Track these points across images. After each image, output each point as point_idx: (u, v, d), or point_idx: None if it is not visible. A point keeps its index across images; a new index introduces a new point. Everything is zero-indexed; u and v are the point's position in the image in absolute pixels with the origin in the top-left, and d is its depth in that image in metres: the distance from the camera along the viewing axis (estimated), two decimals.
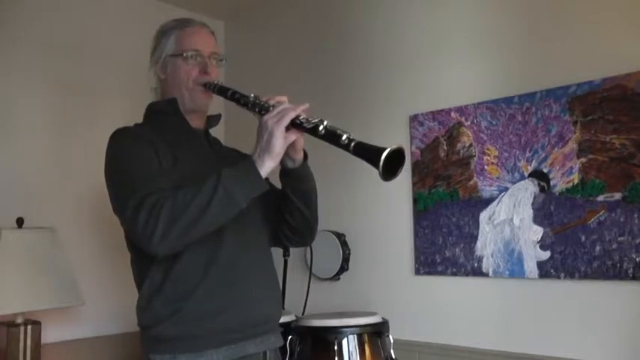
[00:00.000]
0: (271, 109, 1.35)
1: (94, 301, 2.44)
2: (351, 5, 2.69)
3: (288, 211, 1.57)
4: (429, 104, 2.36)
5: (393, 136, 2.43)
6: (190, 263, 1.41)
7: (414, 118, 2.39)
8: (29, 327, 2.13)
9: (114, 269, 2.58)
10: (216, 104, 1.64)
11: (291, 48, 2.93)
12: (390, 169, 1.23)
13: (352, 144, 1.25)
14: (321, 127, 1.29)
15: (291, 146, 1.38)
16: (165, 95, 1.59)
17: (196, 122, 1.60)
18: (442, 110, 2.30)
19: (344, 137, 1.26)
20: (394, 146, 1.22)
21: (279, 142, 1.31)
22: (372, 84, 2.57)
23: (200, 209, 1.29)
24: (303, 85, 2.79)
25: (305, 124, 1.31)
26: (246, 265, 1.48)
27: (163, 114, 1.57)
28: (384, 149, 1.21)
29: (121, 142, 1.48)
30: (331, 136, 1.28)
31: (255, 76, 2.92)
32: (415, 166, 2.35)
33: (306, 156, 1.51)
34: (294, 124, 1.32)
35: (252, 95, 1.42)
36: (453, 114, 2.27)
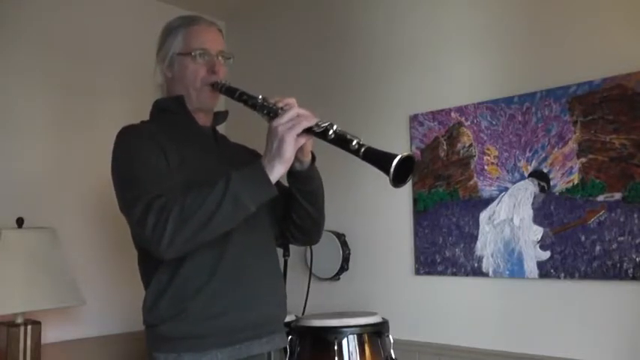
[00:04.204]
0: (280, 112, 1.34)
1: (94, 301, 2.44)
2: (351, 5, 2.69)
3: (295, 211, 1.57)
4: (429, 104, 2.36)
5: (393, 136, 2.44)
6: (197, 264, 1.41)
7: (414, 118, 2.39)
8: (29, 327, 2.13)
9: (114, 269, 2.58)
10: (219, 99, 1.63)
11: (291, 48, 2.93)
12: (400, 176, 1.21)
13: (362, 149, 1.23)
14: (330, 132, 1.28)
15: (300, 149, 1.36)
16: (172, 93, 1.58)
17: (203, 120, 1.59)
18: (442, 110, 2.30)
19: (354, 142, 1.25)
20: (405, 153, 1.21)
21: (290, 148, 1.30)
22: (372, 84, 2.57)
23: (208, 214, 1.28)
24: (304, 85, 2.79)
25: (315, 129, 1.30)
26: (252, 266, 1.48)
27: (170, 112, 1.56)
28: (394, 156, 1.19)
29: (128, 140, 1.47)
30: (341, 141, 1.27)
31: (256, 76, 2.92)
32: (416, 165, 2.35)
33: (314, 158, 1.49)
34: (304, 129, 1.31)
35: (261, 97, 1.41)
36: (453, 114, 2.27)
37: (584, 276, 1.91)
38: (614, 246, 1.85)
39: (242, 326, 1.44)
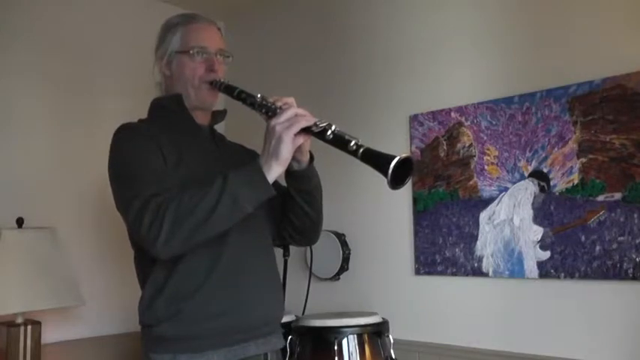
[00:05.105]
0: (278, 111, 1.33)
1: (94, 301, 2.44)
2: (352, 5, 2.69)
3: (293, 211, 1.56)
4: (429, 104, 2.36)
5: (393, 136, 2.44)
6: (193, 263, 1.40)
7: (414, 118, 2.39)
8: (29, 327, 2.13)
9: (114, 269, 2.58)
10: (218, 98, 1.62)
11: (291, 48, 2.93)
12: (398, 178, 1.20)
13: (360, 150, 1.22)
14: (329, 132, 1.26)
15: (298, 149, 1.35)
16: (170, 91, 1.57)
17: (202, 119, 1.58)
18: (442, 110, 2.30)
19: (352, 143, 1.23)
20: (403, 155, 1.19)
21: (288, 148, 1.29)
22: (373, 84, 2.57)
23: (205, 214, 1.28)
24: (304, 85, 2.79)
25: (313, 128, 1.29)
26: (249, 266, 1.47)
27: (168, 110, 1.55)
28: (392, 157, 1.18)
29: (125, 138, 1.46)
30: (339, 142, 1.25)
31: (255, 76, 2.91)
32: (415, 166, 2.35)
33: (312, 158, 1.49)
34: (302, 128, 1.30)
35: (259, 96, 1.40)
36: (453, 114, 2.27)
37: (584, 276, 1.91)
38: (614, 246, 1.85)
39: (239, 327, 1.43)
